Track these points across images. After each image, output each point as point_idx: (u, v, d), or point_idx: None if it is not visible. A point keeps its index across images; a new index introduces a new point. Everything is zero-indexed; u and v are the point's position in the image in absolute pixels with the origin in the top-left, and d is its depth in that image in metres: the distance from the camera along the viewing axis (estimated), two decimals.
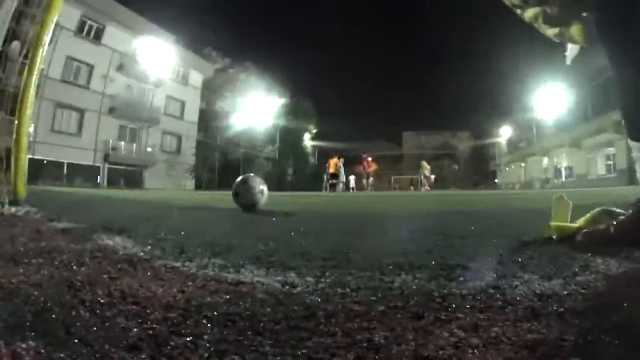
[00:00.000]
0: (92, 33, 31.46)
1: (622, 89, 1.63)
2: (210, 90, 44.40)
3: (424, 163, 31.48)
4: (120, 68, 33.51)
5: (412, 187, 43.67)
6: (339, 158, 27.57)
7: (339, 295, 1.01)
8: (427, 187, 29.32)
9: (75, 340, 0.70)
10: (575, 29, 1.69)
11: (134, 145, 34.44)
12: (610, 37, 1.60)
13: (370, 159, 31.57)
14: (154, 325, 0.78)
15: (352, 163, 30.46)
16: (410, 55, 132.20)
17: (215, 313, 0.86)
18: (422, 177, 31.59)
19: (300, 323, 0.81)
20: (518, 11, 1.73)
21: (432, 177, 31.37)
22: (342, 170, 27.84)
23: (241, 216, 3.61)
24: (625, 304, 0.89)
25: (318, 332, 0.76)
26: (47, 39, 3.76)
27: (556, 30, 1.72)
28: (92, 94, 31.24)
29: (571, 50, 1.81)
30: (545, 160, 46.25)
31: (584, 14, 1.66)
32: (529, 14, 1.70)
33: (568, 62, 1.86)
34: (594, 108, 33.32)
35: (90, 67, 31.38)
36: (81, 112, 30.58)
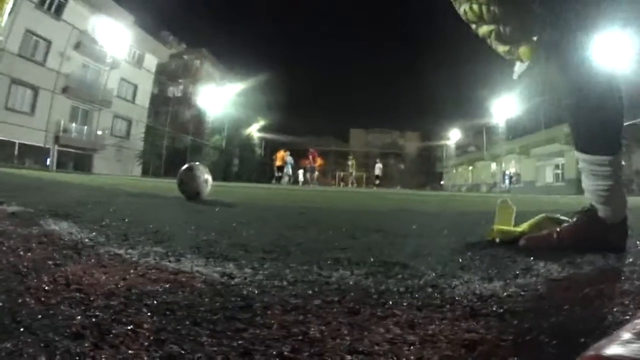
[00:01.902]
0: (54, 7, 29.91)
1: (570, 105, 1.70)
2: (164, 75, 43.43)
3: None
4: (77, 46, 32.01)
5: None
6: (285, 151, 27.71)
7: (276, 288, 1.01)
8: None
9: (22, 329, 0.68)
10: (523, 49, 1.75)
11: (85, 127, 33.24)
12: (561, 58, 1.67)
13: (316, 153, 31.85)
14: (97, 313, 0.77)
15: (298, 157, 30.67)
16: (365, 55, 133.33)
17: (155, 302, 0.85)
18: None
19: (237, 314, 0.81)
20: (473, 26, 1.78)
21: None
22: (291, 163, 28.05)
23: (185, 205, 3.58)
24: (564, 307, 0.91)
25: (254, 323, 0.76)
26: (7, 8, 3.56)
27: (506, 47, 1.77)
28: (47, 72, 29.64)
29: (519, 66, 1.87)
30: (494, 165, 47.10)
31: (534, 37, 1.72)
32: (483, 30, 1.74)
33: (515, 77, 1.93)
34: (546, 119, 34.26)
35: (48, 43, 29.69)
36: (36, 89, 29.01)
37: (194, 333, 0.71)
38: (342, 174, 47.73)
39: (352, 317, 0.83)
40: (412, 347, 0.69)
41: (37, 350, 0.61)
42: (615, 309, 0.91)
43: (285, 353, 0.65)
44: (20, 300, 0.82)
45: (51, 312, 0.76)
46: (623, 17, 1.81)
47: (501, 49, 1.80)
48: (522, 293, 1.04)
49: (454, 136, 57.53)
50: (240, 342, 0.69)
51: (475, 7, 1.70)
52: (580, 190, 1.67)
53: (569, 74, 1.67)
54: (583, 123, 1.70)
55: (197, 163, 4.24)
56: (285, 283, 1.06)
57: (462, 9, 1.76)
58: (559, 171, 35.68)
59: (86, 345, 0.64)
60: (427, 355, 0.66)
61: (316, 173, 32.49)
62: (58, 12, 30.28)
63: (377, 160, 33.22)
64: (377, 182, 31.51)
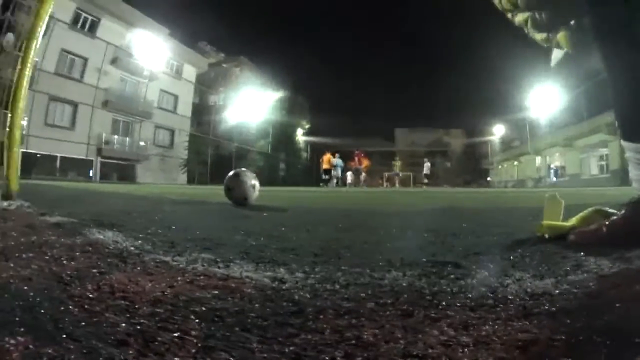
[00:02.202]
0: (87, 26, 31.15)
1: (616, 91, 1.64)
2: (204, 85, 44.22)
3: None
4: (114, 61, 33.20)
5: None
6: (333, 154, 27.75)
7: (328, 292, 1.00)
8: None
9: (64, 336, 0.68)
10: (561, 35, 1.71)
11: (127, 139, 34.26)
12: (605, 40, 1.61)
13: (362, 154, 31.82)
14: (142, 321, 0.77)
15: (344, 159, 30.71)
16: (405, 54, 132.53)
17: (203, 308, 0.85)
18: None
19: (288, 319, 0.80)
20: (509, 15, 1.76)
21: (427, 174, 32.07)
22: (340, 165, 28.09)
23: (232, 211, 3.59)
24: (617, 304, 0.88)
25: (306, 328, 0.75)
26: (41, 31, 3.68)
27: (544, 35, 1.74)
28: (85, 87, 30.81)
29: (556, 54, 1.84)
30: (538, 159, 46.30)
31: (572, 22, 1.68)
32: (519, 18, 1.73)
33: (553, 64, 1.89)
34: (588, 109, 33.40)
35: (85, 60, 30.98)
36: (75, 105, 30.20)
37: (244, 339, 0.70)
38: (388, 174, 47.60)
39: (405, 319, 0.81)
40: (466, 349, 0.67)
41: (80, 357, 0.62)
42: None
43: (338, 358, 0.64)
44: (63, 308, 0.83)
45: (95, 319, 0.77)
46: None
47: (538, 36, 1.78)
48: (574, 290, 1.00)
49: (498, 131, 56.90)
50: (291, 347, 0.67)
51: None
52: (625, 182, 1.62)
53: (612, 58, 1.60)
54: (627, 110, 1.63)
55: (244, 169, 4.27)
56: (337, 286, 1.05)
57: None
58: (604, 162, 34.67)
59: (130, 352, 0.64)
60: (481, 357, 0.65)
61: (363, 174, 32.49)
62: (92, 30, 31.54)
63: (425, 160, 32.80)
64: (426, 181, 31.18)
